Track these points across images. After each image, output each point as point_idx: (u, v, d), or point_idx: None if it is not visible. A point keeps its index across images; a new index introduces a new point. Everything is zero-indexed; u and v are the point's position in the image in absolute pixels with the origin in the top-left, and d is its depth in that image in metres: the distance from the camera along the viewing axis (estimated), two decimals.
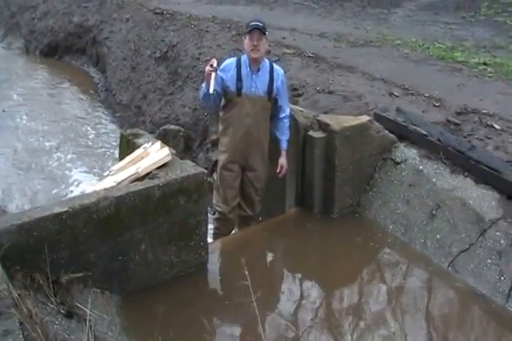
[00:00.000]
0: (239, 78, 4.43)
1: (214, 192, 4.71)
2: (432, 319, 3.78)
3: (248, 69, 4.46)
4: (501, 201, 4.15)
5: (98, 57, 11.28)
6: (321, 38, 8.43)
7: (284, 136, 4.64)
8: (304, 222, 4.87)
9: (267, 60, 4.57)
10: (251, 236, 4.74)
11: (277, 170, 4.62)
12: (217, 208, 4.69)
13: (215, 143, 5.21)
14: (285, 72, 6.49)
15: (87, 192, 3.78)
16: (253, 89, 4.45)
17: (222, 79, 4.43)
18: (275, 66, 4.61)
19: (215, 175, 4.78)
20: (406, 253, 4.41)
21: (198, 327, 3.48)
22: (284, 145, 4.65)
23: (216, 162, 4.73)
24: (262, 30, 4.32)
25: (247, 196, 4.73)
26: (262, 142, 4.59)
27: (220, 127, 4.66)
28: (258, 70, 4.46)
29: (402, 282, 4.19)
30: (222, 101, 4.55)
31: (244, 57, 4.49)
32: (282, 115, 4.62)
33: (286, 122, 4.65)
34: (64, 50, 12.42)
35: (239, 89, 4.43)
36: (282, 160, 4.63)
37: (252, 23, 4.36)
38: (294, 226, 4.94)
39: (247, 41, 4.39)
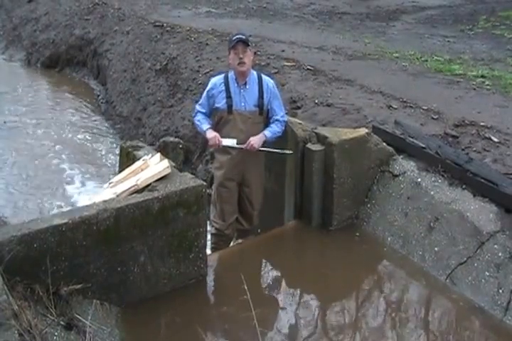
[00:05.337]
0: (228, 95, 4.42)
1: (211, 207, 4.70)
2: (430, 332, 3.78)
3: (236, 85, 4.44)
4: (499, 214, 4.16)
5: (99, 69, 11.35)
6: (319, 51, 8.48)
7: (268, 129, 4.49)
8: (302, 235, 4.88)
9: (254, 72, 4.54)
10: (249, 249, 4.75)
11: (245, 145, 4.39)
12: (214, 224, 4.69)
13: (213, 156, 5.23)
14: (284, 85, 6.60)
15: (86, 203, 3.80)
16: (243, 104, 4.43)
17: (212, 99, 4.44)
18: (264, 77, 4.57)
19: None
20: (404, 266, 4.42)
21: (196, 339, 3.48)
22: (266, 133, 4.46)
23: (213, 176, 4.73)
24: (245, 42, 4.31)
25: (244, 210, 4.74)
26: (257, 157, 4.59)
27: None
28: (245, 84, 4.44)
29: (401, 295, 4.19)
30: (215, 118, 4.53)
31: (231, 74, 4.48)
32: (276, 122, 4.54)
33: (280, 126, 4.54)
34: (65, 62, 12.49)
35: (229, 107, 4.42)
36: (253, 138, 4.39)
37: (235, 37, 4.33)
38: (292, 239, 4.95)
39: (232, 56, 4.36)
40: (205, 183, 4.01)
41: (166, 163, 4.01)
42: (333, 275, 4.40)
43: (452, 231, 4.27)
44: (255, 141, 4.40)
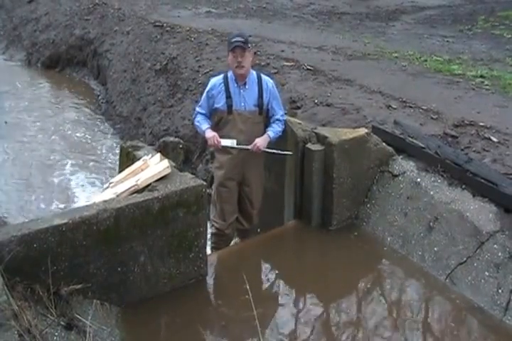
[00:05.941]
0: (228, 96, 4.43)
1: (211, 206, 4.71)
2: (430, 332, 3.79)
3: (235, 85, 4.45)
4: (499, 214, 4.17)
5: (99, 69, 11.35)
6: (319, 51, 8.49)
7: (271, 130, 4.52)
8: (302, 235, 4.88)
9: (254, 72, 4.55)
10: (249, 249, 4.76)
11: (251, 146, 4.42)
12: (215, 224, 4.70)
13: (213, 156, 5.23)
14: (283, 85, 6.61)
15: (86, 203, 3.81)
16: (242, 104, 4.44)
17: (212, 99, 4.45)
18: (263, 77, 4.58)
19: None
20: (404, 266, 4.43)
21: (196, 339, 3.49)
22: (269, 133, 4.49)
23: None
24: (244, 45, 4.30)
25: (244, 210, 4.75)
26: (258, 156, 4.59)
27: None
28: (245, 84, 4.45)
29: (400, 295, 4.20)
30: (215, 119, 4.54)
31: (230, 74, 4.49)
32: (277, 121, 4.56)
33: (281, 125, 4.57)
34: (65, 62, 12.49)
35: (229, 107, 4.43)
36: (259, 139, 4.44)
37: (234, 40, 4.31)
38: (292, 239, 4.96)
39: (230, 58, 4.36)
40: (205, 183, 4.01)
41: (166, 163, 4.02)
42: (333, 275, 4.41)
43: (452, 231, 4.28)
44: (261, 142, 4.43)
